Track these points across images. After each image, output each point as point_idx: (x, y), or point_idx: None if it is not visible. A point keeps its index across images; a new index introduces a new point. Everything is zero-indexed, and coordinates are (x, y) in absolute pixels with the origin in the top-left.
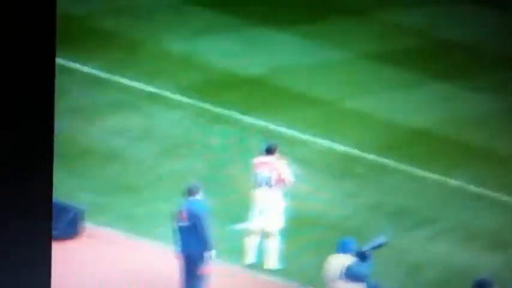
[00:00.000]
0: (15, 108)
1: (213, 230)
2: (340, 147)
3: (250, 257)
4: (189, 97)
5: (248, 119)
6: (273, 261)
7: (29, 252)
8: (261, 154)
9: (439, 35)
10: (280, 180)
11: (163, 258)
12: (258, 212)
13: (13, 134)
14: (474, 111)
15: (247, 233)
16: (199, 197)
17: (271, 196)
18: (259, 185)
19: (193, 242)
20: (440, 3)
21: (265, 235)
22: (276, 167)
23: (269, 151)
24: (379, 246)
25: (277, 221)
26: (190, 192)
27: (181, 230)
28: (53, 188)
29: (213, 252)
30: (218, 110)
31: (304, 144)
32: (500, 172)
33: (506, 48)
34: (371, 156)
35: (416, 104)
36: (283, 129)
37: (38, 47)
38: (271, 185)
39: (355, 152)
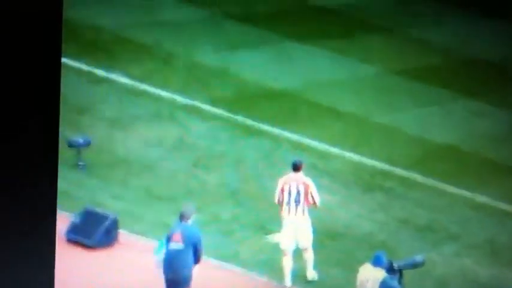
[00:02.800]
0: (19, 113)
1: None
2: (369, 161)
3: (287, 281)
4: (222, 109)
5: (280, 132)
6: (311, 272)
7: (32, 257)
8: (288, 171)
9: (466, 52)
10: (309, 200)
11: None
12: (288, 230)
13: (17, 140)
14: (502, 127)
15: (283, 252)
16: (190, 221)
17: (300, 213)
18: (288, 203)
19: (181, 265)
20: (467, 21)
21: (301, 251)
22: (305, 185)
23: (296, 168)
24: (415, 265)
25: (308, 235)
26: (183, 216)
27: (173, 252)
28: (87, 196)
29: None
30: (251, 122)
31: (335, 157)
32: None
33: None
34: (400, 171)
35: (445, 120)
36: (314, 143)
37: (43, 50)
38: (299, 202)
39: (384, 166)
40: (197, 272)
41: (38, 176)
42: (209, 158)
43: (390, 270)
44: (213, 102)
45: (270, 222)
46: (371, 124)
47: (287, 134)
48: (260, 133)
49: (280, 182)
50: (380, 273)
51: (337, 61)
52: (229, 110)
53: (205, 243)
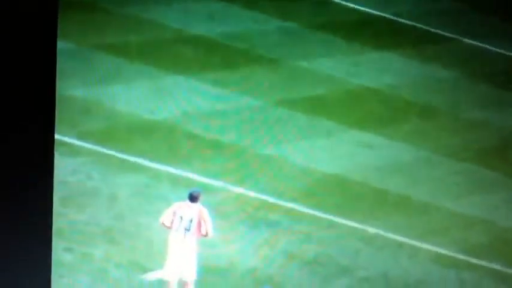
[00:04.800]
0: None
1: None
2: (254, 194)
3: None
4: (93, 143)
5: (158, 167)
6: None
7: (28, 256)
8: (181, 201)
9: (354, 83)
10: (200, 231)
11: None
12: (173, 258)
13: (12, 141)
14: (391, 159)
15: (165, 282)
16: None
17: (189, 242)
18: (177, 229)
19: None
20: (361, 51)
21: (181, 284)
22: (199, 215)
23: (192, 198)
24: None
25: (193, 268)
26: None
27: None
28: None
29: None
30: (125, 157)
31: (218, 191)
32: (418, 220)
33: (420, 95)
34: (285, 204)
35: (333, 151)
36: (195, 176)
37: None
38: (190, 231)
39: (270, 198)
40: None
41: (34, 177)
42: (80, 195)
43: None
44: (83, 137)
45: (147, 260)
46: (255, 156)
47: (166, 169)
48: (136, 168)
49: (175, 206)
50: None
51: (218, 93)
52: (101, 145)
53: (75, 285)
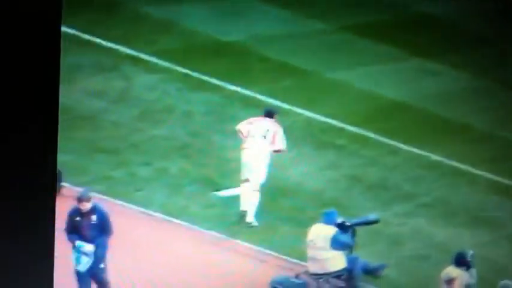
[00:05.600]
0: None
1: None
2: (321, 118)
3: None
4: (169, 61)
5: (229, 87)
6: (251, 217)
7: (31, 255)
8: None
9: (418, 9)
10: (275, 142)
11: (140, 222)
12: (249, 168)
13: (16, 140)
14: (454, 87)
15: (237, 198)
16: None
17: (263, 150)
18: (254, 136)
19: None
20: None
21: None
22: (275, 129)
23: (269, 114)
24: (369, 223)
25: (261, 175)
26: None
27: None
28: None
29: None
30: (198, 75)
31: (286, 113)
32: (479, 148)
33: (486, 27)
34: (351, 128)
35: (397, 78)
36: (264, 98)
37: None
38: (266, 139)
39: (336, 123)
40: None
41: (37, 176)
42: (156, 111)
43: (342, 227)
44: (160, 54)
45: (219, 177)
46: (322, 80)
47: (237, 89)
48: (209, 87)
49: (251, 119)
50: (331, 230)
51: (285, 16)
52: (177, 63)
53: (152, 198)
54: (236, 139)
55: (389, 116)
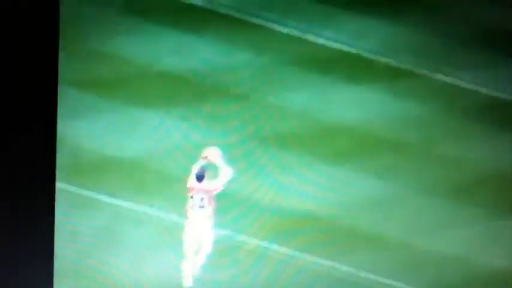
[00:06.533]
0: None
1: None
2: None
3: (188, 281)
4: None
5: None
6: (188, 279)
7: (30, 254)
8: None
9: (324, 118)
10: (213, 201)
11: None
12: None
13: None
14: (362, 195)
15: (184, 256)
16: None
17: (204, 218)
18: (192, 207)
19: None
20: (329, 86)
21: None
22: (208, 189)
23: (199, 178)
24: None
25: (209, 242)
26: None
27: None
28: None
29: None
30: (88, 193)
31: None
32: (389, 257)
33: (394, 130)
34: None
35: (301, 187)
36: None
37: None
38: (204, 208)
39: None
40: None
41: (36, 175)
42: None
43: None
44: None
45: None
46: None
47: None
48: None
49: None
50: None
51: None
52: (67, 182)
53: None
54: None
55: (295, 229)
